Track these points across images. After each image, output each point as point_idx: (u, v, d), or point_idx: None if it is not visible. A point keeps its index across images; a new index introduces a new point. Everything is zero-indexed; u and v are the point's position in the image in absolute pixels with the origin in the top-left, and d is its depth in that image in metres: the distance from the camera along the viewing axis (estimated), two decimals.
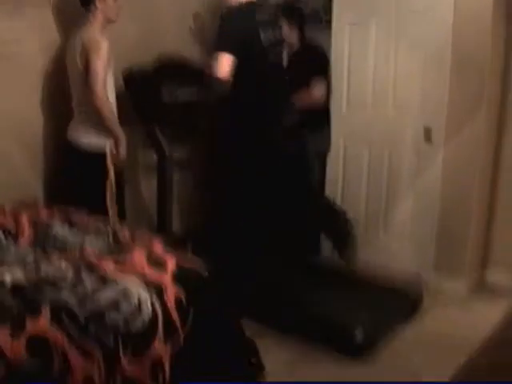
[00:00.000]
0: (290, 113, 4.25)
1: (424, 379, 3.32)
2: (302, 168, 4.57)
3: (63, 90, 3.91)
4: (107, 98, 3.67)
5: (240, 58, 3.84)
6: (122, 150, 3.82)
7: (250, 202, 4.19)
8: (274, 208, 4.24)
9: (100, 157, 3.77)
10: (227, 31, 3.90)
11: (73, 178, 3.86)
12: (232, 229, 4.24)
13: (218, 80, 3.82)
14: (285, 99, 4.26)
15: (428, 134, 4.35)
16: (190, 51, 4.54)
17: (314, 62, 4.65)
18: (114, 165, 3.80)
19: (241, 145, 4.07)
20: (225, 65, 3.80)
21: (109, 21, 3.81)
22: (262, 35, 3.97)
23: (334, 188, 4.97)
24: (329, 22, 4.83)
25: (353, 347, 3.55)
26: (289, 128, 4.21)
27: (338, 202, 4.95)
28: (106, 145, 3.78)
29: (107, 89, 3.69)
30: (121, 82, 4.10)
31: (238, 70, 3.86)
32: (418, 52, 4.36)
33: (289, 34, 4.57)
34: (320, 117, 4.76)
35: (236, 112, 4.05)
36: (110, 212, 3.80)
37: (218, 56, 3.80)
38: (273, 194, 4.20)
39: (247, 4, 3.98)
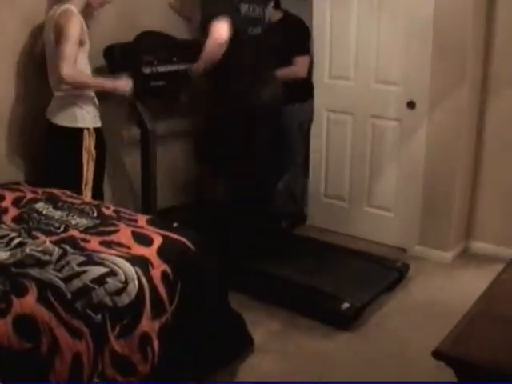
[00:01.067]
0: (272, 84, 4.23)
1: (411, 347, 3.36)
2: (284, 139, 4.57)
3: (41, 68, 3.87)
4: (75, 75, 3.59)
5: None
6: (122, 87, 3.87)
7: (234, 172, 4.20)
8: (258, 179, 4.25)
9: (78, 134, 3.75)
10: (215, 3, 3.95)
11: (53, 157, 3.84)
12: (219, 201, 4.26)
13: (220, 46, 3.88)
14: (266, 71, 4.24)
15: (411, 106, 4.35)
16: (170, 28, 4.49)
17: (295, 35, 4.62)
18: (96, 146, 3.80)
19: (223, 114, 4.12)
20: (223, 29, 3.86)
21: (89, 7, 3.78)
22: (243, 7, 3.97)
23: (317, 159, 4.97)
24: None
25: (340, 317, 3.57)
26: (271, 99, 4.19)
27: (322, 173, 4.97)
28: (83, 122, 3.76)
29: (79, 65, 3.64)
30: (102, 60, 4.07)
31: None
32: (401, 25, 4.34)
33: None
34: (302, 89, 4.74)
35: (219, 82, 4.09)
36: (85, 192, 3.78)
37: (214, 23, 3.85)
38: (256, 164, 4.21)
39: None
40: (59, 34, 3.54)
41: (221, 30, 3.86)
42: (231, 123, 4.08)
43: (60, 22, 3.55)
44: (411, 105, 4.35)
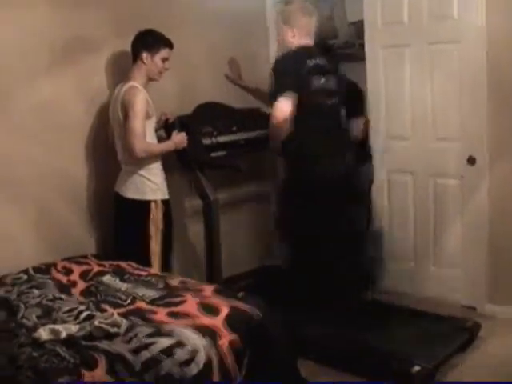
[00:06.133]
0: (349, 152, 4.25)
1: None
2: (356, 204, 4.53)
3: (109, 145, 4.01)
4: (145, 148, 3.76)
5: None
6: (180, 143, 4.00)
7: (309, 241, 4.19)
8: (331, 246, 4.22)
9: (145, 207, 3.84)
10: (283, 72, 3.98)
11: (122, 229, 3.95)
12: (284, 267, 4.25)
13: (280, 123, 3.93)
14: (343, 141, 4.28)
15: (472, 162, 4.32)
16: (227, 98, 4.59)
17: (350, 98, 4.65)
18: (164, 218, 3.89)
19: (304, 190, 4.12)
20: (285, 106, 3.91)
21: (151, 79, 3.92)
22: (315, 80, 4.01)
23: (380, 221, 4.93)
24: (362, 46, 4.90)
25: (410, 381, 3.48)
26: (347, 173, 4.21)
27: (385, 234, 4.93)
28: (150, 194, 3.87)
29: (147, 137, 3.79)
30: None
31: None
32: (454, 81, 4.35)
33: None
34: (362, 151, 4.75)
35: (296, 156, 4.12)
36: (154, 264, 3.85)
37: (277, 100, 3.92)
38: (331, 234, 4.19)
39: (301, 49, 4.07)
40: (127, 111, 3.69)
41: (279, 108, 3.91)
42: (306, 192, 4.09)
43: (126, 98, 3.70)
44: (471, 160, 4.31)
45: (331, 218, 4.12)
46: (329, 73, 4.14)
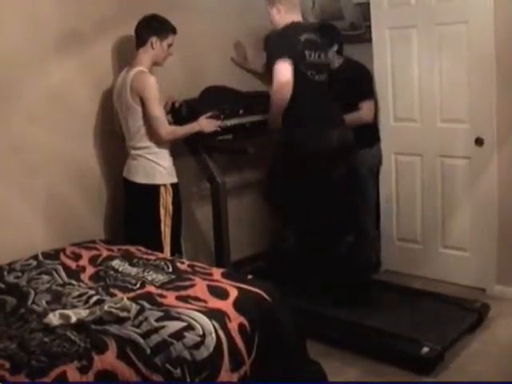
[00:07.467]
0: (340, 130, 4.21)
1: None
2: (355, 186, 4.51)
3: (115, 130, 4.01)
4: (171, 131, 3.85)
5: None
6: (206, 127, 4.01)
7: (306, 222, 4.19)
8: (331, 228, 4.22)
9: (155, 191, 3.85)
10: (276, 43, 4.00)
11: (131, 214, 3.96)
12: (293, 251, 4.26)
13: (284, 85, 3.90)
14: (332, 116, 4.24)
15: (480, 143, 4.30)
16: (234, 82, 4.58)
17: (358, 81, 4.63)
18: (173, 201, 3.89)
19: (293, 165, 4.11)
20: (285, 69, 3.88)
21: (156, 64, 3.92)
22: (307, 54, 4.00)
23: (388, 203, 4.92)
24: (368, 27, 4.87)
25: (420, 362, 3.49)
26: (340, 147, 4.18)
27: (394, 216, 4.92)
28: (159, 178, 3.87)
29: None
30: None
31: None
32: (462, 62, 4.31)
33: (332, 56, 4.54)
34: (370, 133, 4.74)
35: (286, 127, 4.10)
36: (165, 247, 3.86)
37: (276, 64, 3.88)
38: (328, 214, 4.18)
39: (290, 26, 4.04)
40: (141, 96, 3.72)
41: (283, 70, 3.88)
42: (297, 168, 4.09)
43: (136, 84, 3.72)
44: (479, 141, 4.29)
45: (321, 195, 4.13)
46: (320, 49, 4.14)
